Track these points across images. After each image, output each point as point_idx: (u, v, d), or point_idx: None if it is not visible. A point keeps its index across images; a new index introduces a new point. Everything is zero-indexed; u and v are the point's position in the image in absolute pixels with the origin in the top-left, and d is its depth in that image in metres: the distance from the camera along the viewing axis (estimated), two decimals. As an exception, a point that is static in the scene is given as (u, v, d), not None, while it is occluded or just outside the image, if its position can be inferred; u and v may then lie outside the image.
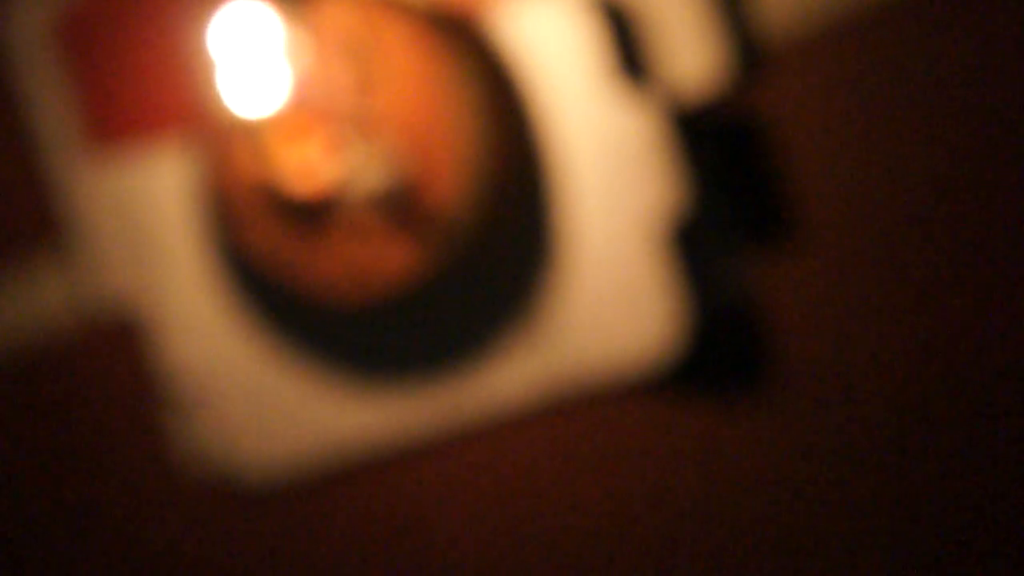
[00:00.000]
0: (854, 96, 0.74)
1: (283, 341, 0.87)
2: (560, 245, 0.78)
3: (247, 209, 0.80)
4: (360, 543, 0.91)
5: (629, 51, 0.75)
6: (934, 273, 0.76)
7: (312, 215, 0.78)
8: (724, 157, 0.79)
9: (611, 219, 0.76)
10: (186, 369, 0.89)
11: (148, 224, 0.88)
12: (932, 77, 0.75)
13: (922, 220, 0.76)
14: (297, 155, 0.77)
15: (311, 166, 0.76)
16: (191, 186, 0.84)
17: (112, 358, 0.94)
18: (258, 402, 0.88)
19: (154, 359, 0.91)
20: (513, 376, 0.80)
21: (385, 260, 0.78)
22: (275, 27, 0.73)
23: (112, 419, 0.96)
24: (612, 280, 0.76)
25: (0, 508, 1.00)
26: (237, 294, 0.86)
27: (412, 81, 0.75)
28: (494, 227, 0.79)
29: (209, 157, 0.79)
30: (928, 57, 0.74)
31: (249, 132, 0.77)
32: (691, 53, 0.74)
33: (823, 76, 0.75)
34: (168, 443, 0.93)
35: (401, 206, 0.76)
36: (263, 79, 0.73)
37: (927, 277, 0.76)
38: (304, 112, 0.77)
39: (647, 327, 0.75)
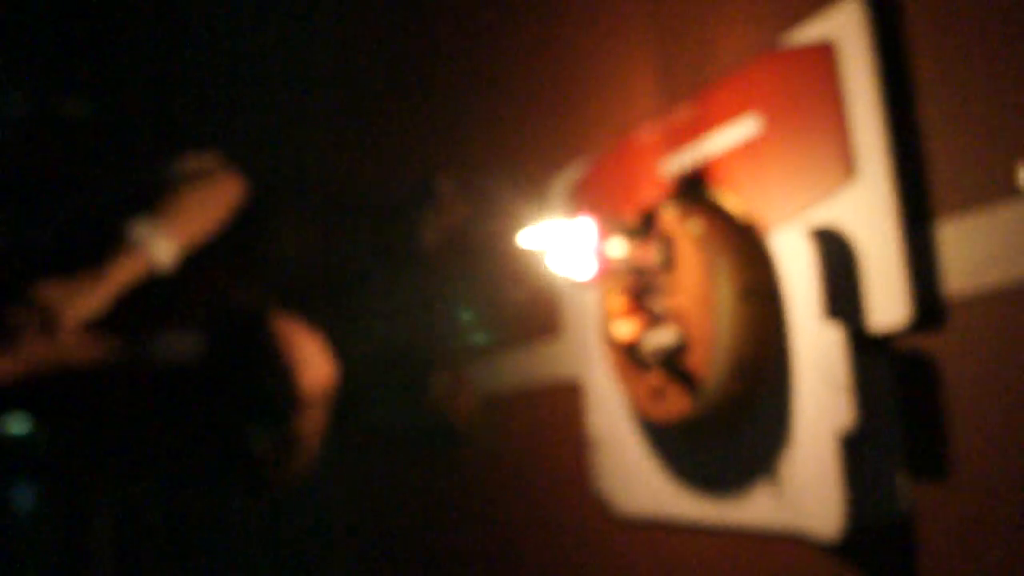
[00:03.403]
0: (1018, 356, 0.85)
1: (649, 443, 1.26)
2: (787, 426, 1.03)
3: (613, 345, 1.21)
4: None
5: (836, 275, 0.96)
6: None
7: (633, 356, 1.16)
8: (897, 387, 0.95)
9: (818, 419, 0.99)
10: (597, 431, 1.34)
11: (592, 333, 1.34)
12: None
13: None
14: (621, 318, 1.15)
15: (626, 325, 1.14)
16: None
17: (566, 405, 1.44)
18: (631, 473, 1.30)
19: (584, 416, 1.38)
20: (758, 511, 1.10)
21: (668, 396, 1.12)
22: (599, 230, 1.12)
23: (559, 441, 1.47)
24: (812, 468, 1.00)
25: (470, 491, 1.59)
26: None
27: (694, 273, 1.06)
28: (745, 396, 1.07)
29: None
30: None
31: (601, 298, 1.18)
32: (882, 290, 0.94)
33: (993, 333, 0.87)
34: (586, 472, 1.40)
35: (674, 362, 1.09)
36: (582, 261, 1.13)
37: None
38: (630, 291, 1.14)
39: (828, 510, 0.99)
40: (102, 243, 1.37)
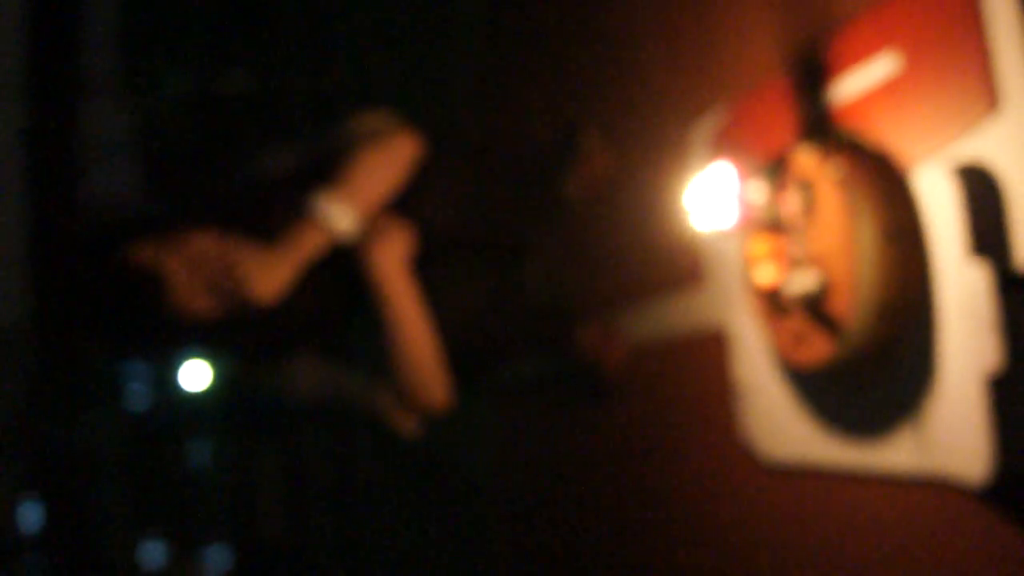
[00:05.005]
0: None
1: (794, 389, 1.27)
2: (932, 368, 1.02)
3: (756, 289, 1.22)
4: (796, 504, 1.35)
5: (981, 212, 0.95)
6: None
7: (775, 302, 1.17)
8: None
9: (964, 360, 0.98)
10: (743, 378, 1.35)
11: (736, 280, 1.35)
12: None
13: None
14: (763, 263, 1.16)
15: (768, 270, 1.15)
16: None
17: (710, 354, 1.46)
18: (777, 419, 1.31)
19: (729, 364, 1.40)
20: (902, 456, 1.09)
21: (811, 340, 1.13)
22: (738, 178, 1.13)
23: (704, 390, 1.49)
24: (959, 411, 0.99)
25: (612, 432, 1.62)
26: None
27: (836, 216, 1.06)
28: (889, 339, 1.06)
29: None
30: None
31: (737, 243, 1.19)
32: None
33: None
34: (733, 417, 1.42)
35: (817, 306, 1.09)
36: (727, 208, 1.14)
37: None
38: (771, 237, 1.15)
39: (976, 454, 0.97)
40: (284, 216, 1.43)
